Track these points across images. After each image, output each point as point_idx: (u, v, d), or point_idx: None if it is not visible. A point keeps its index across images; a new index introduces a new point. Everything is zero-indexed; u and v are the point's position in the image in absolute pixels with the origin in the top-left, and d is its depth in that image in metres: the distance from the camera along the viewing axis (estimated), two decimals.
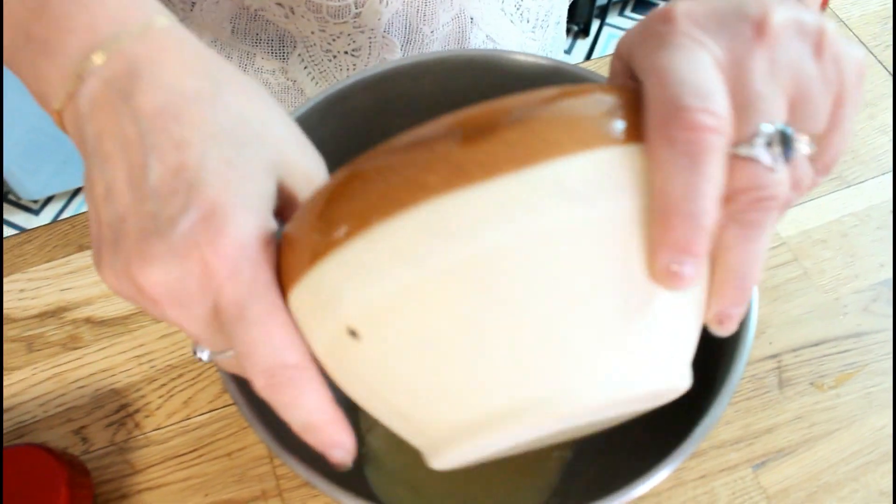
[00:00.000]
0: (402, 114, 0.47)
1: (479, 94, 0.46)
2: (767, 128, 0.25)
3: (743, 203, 0.25)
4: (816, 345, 0.58)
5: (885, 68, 0.72)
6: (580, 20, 1.98)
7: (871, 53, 0.73)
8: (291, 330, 0.27)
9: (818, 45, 0.26)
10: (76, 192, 1.83)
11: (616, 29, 2.05)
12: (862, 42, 0.74)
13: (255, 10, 0.56)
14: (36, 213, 1.83)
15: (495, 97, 0.25)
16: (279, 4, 0.55)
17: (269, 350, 0.27)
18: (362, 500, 0.33)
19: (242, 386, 0.37)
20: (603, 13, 1.92)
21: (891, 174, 0.66)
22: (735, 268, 0.25)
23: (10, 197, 1.83)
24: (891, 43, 0.74)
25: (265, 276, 0.27)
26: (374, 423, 0.51)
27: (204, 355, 0.30)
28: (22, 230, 1.75)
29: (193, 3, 0.57)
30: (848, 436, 0.54)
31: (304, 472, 0.34)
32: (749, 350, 0.35)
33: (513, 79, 0.44)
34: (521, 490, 0.51)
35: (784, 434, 0.54)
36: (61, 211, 1.81)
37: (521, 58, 0.44)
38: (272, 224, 0.28)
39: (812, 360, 0.57)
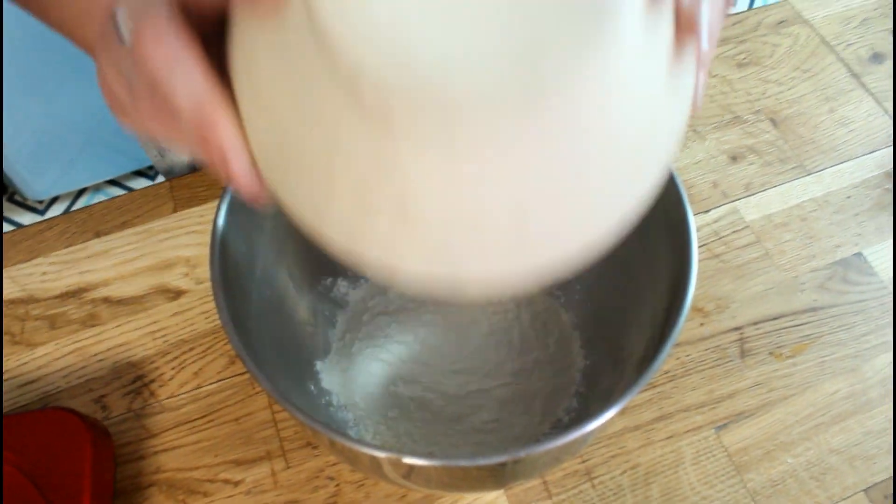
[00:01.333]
0: None
1: None
2: None
3: None
4: (775, 318, 0.63)
5: (847, 66, 0.78)
6: None
7: (834, 52, 0.79)
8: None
9: None
10: (81, 192, 1.87)
11: None
12: (825, 41, 0.79)
13: None
14: (41, 213, 1.87)
15: None
16: None
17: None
18: (359, 442, 0.38)
19: (250, 346, 0.42)
20: None
21: (850, 162, 0.71)
22: None
23: (17, 198, 1.87)
24: (852, 41, 0.79)
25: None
26: None
27: None
28: None
29: None
30: (802, 400, 0.59)
31: (302, 417, 0.38)
32: (682, 323, 0.40)
33: None
34: (552, 388, 0.55)
35: (744, 399, 0.59)
36: (66, 211, 1.85)
37: None
38: None
39: (771, 333, 0.62)
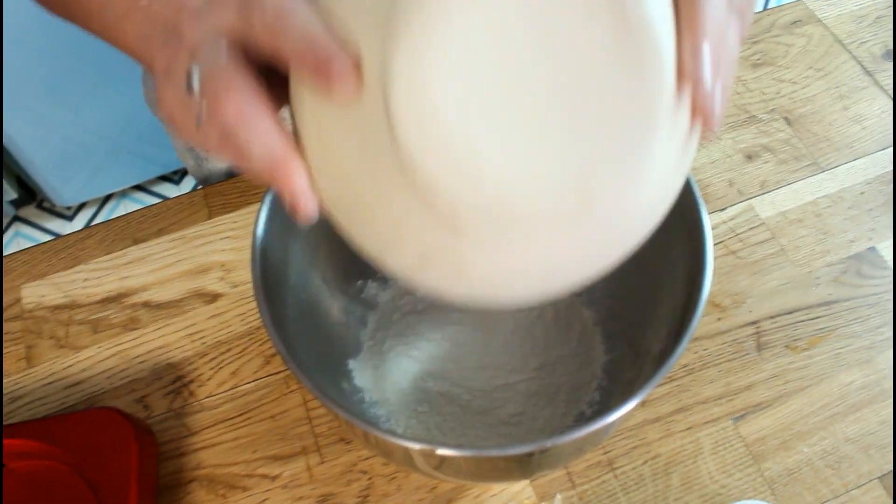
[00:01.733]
0: None
1: None
2: None
3: None
4: (791, 312, 0.64)
5: (860, 64, 0.79)
6: None
7: (847, 50, 0.80)
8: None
9: None
10: (107, 198, 1.91)
11: None
12: (839, 40, 0.81)
13: None
14: (69, 219, 1.91)
15: None
16: None
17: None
18: (385, 432, 0.40)
19: (289, 346, 0.44)
20: None
21: (863, 159, 0.73)
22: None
23: (45, 204, 1.92)
24: (865, 39, 0.81)
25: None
26: None
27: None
28: (56, 236, 1.84)
29: None
30: (818, 391, 0.61)
31: (339, 411, 0.41)
32: (699, 318, 0.43)
33: None
34: (575, 382, 0.57)
35: (761, 390, 0.61)
36: (94, 216, 1.89)
37: None
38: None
39: (787, 326, 0.64)
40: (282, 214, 0.49)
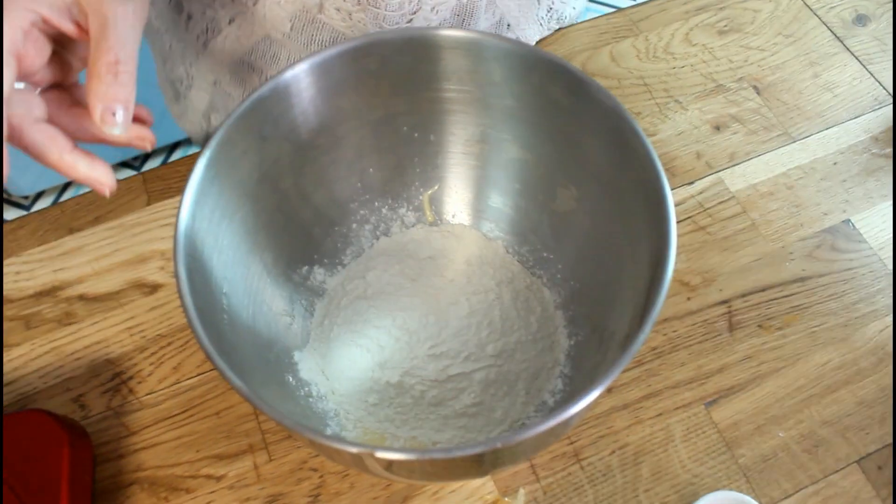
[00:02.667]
0: (351, 90, 0.50)
1: (421, 68, 0.50)
2: None
3: None
4: (764, 290, 0.62)
5: (830, 30, 0.76)
6: None
7: (816, 15, 0.77)
8: None
9: None
10: (66, 186, 1.86)
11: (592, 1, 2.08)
12: (807, 5, 0.78)
13: (315, 13, 0.59)
14: (27, 208, 1.86)
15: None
16: (338, 9, 0.58)
17: None
18: (335, 439, 0.37)
19: (221, 350, 0.40)
20: None
21: (836, 127, 0.70)
22: None
23: (2, 194, 1.86)
24: (834, 4, 0.78)
25: None
26: None
27: None
28: None
29: (206, 42, 0.60)
30: (793, 372, 0.58)
31: (276, 416, 0.37)
32: (663, 298, 0.39)
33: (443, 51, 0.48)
34: (536, 369, 0.54)
35: (734, 373, 0.58)
36: (52, 205, 1.83)
37: (447, 32, 0.48)
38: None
39: (760, 304, 0.61)
40: (210, 198, 0.45)
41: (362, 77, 0.49)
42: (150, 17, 0.67)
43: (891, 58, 0.74)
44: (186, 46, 0.68)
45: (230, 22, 0.62)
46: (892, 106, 0.70)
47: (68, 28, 0.40)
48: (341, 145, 0.53)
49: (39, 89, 0.42)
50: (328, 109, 0.50)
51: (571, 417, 0.37)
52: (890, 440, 0.55)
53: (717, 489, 0.53)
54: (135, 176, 0.69)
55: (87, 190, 0.69)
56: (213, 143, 0.44)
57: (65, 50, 0.42)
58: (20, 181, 1.72)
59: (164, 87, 0.76)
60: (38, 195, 1.84)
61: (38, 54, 0.40)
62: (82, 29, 0.40)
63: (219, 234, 0.47)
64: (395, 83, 0.50)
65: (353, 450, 0.35)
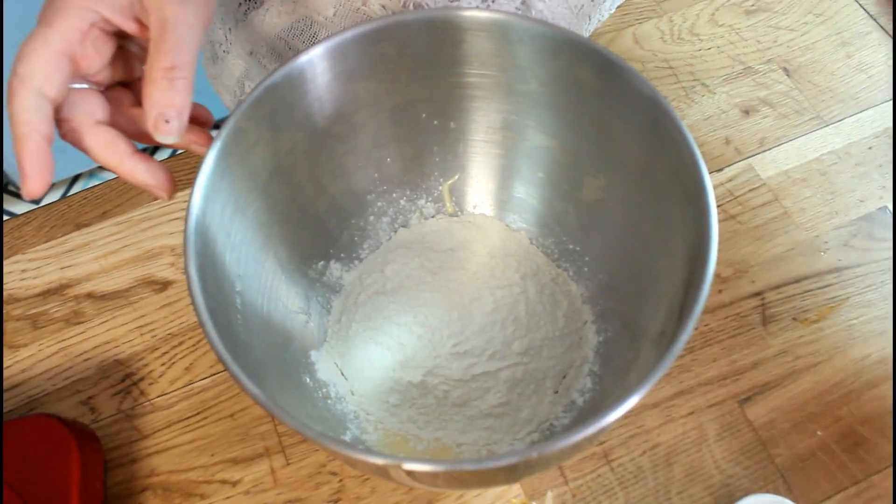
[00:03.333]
0: (368, 75, 0.48)
1: (442, 52, 0.47)
2: None
3: None
4: (798, 281, 0.59)
5: (862, 7, 0.73)
6: None
7: None
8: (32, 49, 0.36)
9: None
10: (75, 178, 1.84)
11: None
12: None
13: (359, 5, 0.56)
14: (37, 202, 1.84)
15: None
16: (383, 6, 0.55)
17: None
18: (353, 448, 0.35)
19: (235, 352, 0.38)
20: None
21: (870, 110, 0.67)
22: None
23: (11, 188, 1.85)
24: None
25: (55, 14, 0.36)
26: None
27: None
28: None
29: (246, 11, 0.58)
30: (830, 367, 0.56)
31: (295, 425, 0.35)
32: (708, 286, 0.37)
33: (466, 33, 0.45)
34: (563, 367, 0.52)
35: (769, 368, 0.56)
36: (62, 197, 1.82)
37: (471, 13, 0.45)
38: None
39: (794, 297, 0.58)
40: (221, 192, 0.43)
41: (380, 62, 0.47)
42: None
43: None
44: (227, 11, 0.66)
45: None
46: None
47: (130, 27, 0.38)
48: (358, 134, 0.51)
49: (103, 88, 0.41)
50: (344, 96, 0.48)
51: (609, 424, 0.35)
52: None
53: (753, 491, 0.51)
54: None
55: (94, 184, 0.67)
56: (223, 134, 0.42)
57: (130, 44, 0.41)
58: None
59: (205, 46, 0.73)
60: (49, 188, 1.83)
61: (98, 55, 0.38)
62: (144, 27, 0.38)
63: (231, 230, 0.44)
64: (414, 68, 0.48)
65: (379, 461, 0.33)
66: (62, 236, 0.64)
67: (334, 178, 0.52)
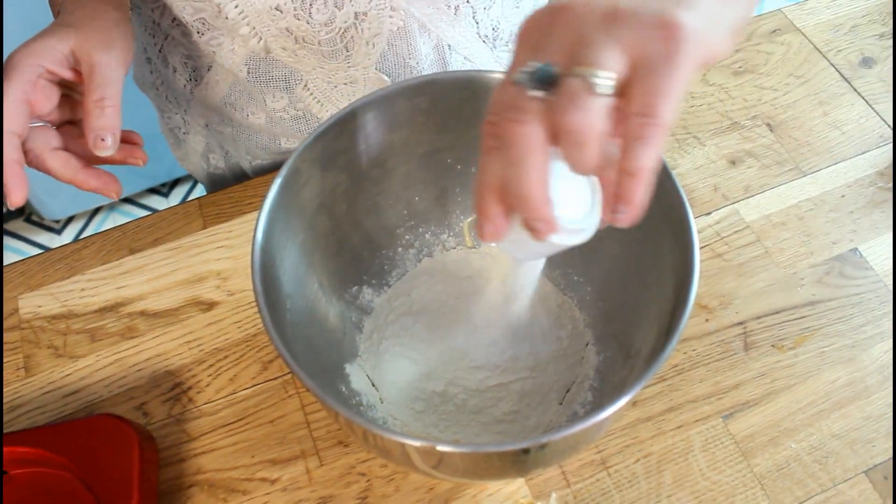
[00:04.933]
0: (403, 126, 0.55)
1: (467, 107, 0.55)
2: (532, 65, 0.34)
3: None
4: (777, 312, 0.66)
5: (838, 71, 0.81)
6: None
7: (825, 58, 0.82)
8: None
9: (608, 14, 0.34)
10: (96, 210, 1.91)
11: None
12: (817, 48, 0.83)
13: (266, 53, 0.66)
14: (58, 232, 1.91)
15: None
16: (283, 48, 0.64)
17: None
18: (378, 426, 0.41)
19: (290, 350, 0.45)
20: None
21: (844, 163, 0.75)
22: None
23: (34, 217, 1.92)
24: (842, 47, 0.83)
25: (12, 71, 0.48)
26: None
27: None
28: (45, 249, 1.83)
29: (214, 50, 0.66)
30: (804, 389, 0.62)
31: (340, 409, 0.42)
32: (687, 316, 0.44)
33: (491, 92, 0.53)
34: (567, 382, 0.59)
35: (749, 389, 0.62)
36: (82, 229, 1.89)
37: (497, 75, 0.53)
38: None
39: (773, 326, 0.65)
40: (279, 222, 0.50)
41: (415, 114, 0.55)
42: (145, 74, 0.77)
43: None
44: (178, 96, 0.75)
45: (208, 69, 0.70)
46: (893, 143, 0.75)
47: (68, 75, 0.51)
48: (391, 176, 0.59)
49: (56, 126, 0.53)
50: (382, 143, 0.55)
51: (602, 422, 0.42)
52: None
53: (735, 496, 0.58)
54: (191, 202, 0.74)
55: (124, 221, 0.75)
56: (283, 172, 0.50)
57: (73, 92, 0.53)
58: (52, 206, 1.77)
59: (167, 135, 0.84)
60: (69, 220, 1.90)
61: (47, 99, 0.51)
62: (79, 74, 0.51)
63: (284, 255, 0.52)
64: (443, 120, 0.56)
65: (415, 443, 0.40)
66: (117, 260, 0.71)
67: (368, 214, 0.60)
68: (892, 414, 0.61)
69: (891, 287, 0.67)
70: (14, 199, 0.49)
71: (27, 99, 0.49)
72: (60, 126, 0.54)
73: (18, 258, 1.84)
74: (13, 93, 0.48)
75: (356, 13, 0.61)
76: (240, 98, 0.72)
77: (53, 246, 1.86)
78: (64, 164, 0.52)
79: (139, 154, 0.54)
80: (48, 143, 0.52)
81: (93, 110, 0.50)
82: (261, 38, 0.64)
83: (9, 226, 1.88)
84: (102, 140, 0.50)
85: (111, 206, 1.90)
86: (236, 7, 0.61)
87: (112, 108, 0.50)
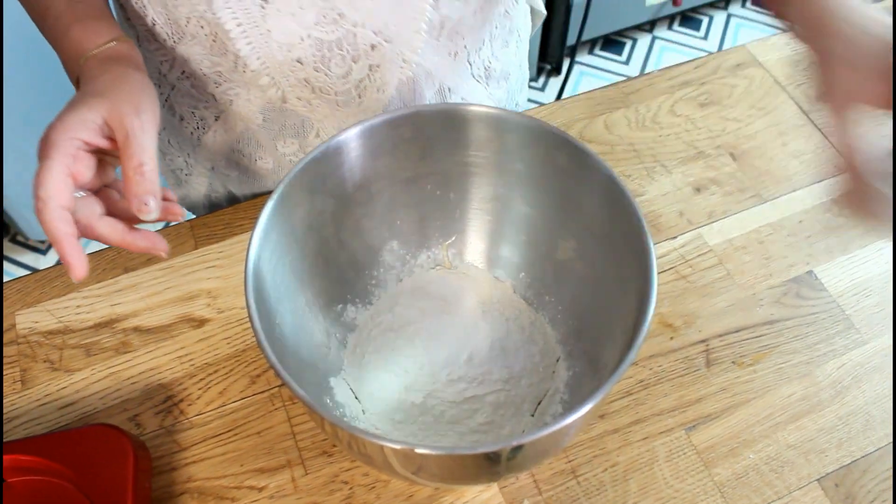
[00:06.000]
0: (388, 154, 0.59)
1: (446, 137, 0.59)
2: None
3: None
4: (737, 331, 0.70)
5: (797, 104, 0.86)
6: (552, 59, 2.13)
7: (786, 91, 0.87)
8: (45, 178, 0.49)
9: None
10: None
11: (586, 67, 2.21)
12: (777, 82, 0.88)
13: (280, 104, 0.70)
14: (43, 252, 1.93)
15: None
16: (299, 98, 0.68)
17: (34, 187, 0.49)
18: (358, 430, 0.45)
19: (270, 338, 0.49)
20: (573, 52, 2.07)
21: (801, 190, 0.80)
22: None
23: (19, 238, 1.94)
24: (801, 81, 0.88)
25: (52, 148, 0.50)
26: None
27: None
28: (31, 269, 1.85)
29: (231, 100, 0.70)
30: (762, 403, 0.66)
31: (325, 414, 0.45)
32: (646, 331, 0.48)
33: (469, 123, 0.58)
34: (539, 395, 0.62)
35: (711, 403, 0.66)
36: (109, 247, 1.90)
37: (475, 108, 0.57)
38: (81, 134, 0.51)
39: (734, 344, 0.70)
40: (269, 243, 0.54)
41: (398, 142, 0.59)
42: None
43: None
44: (182, 141, 0.79)
45: (216, 119, 0.74)
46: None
47: (104, 144, 0.53)
48: (375, 200, 0.63)
49: (95, 191, 0.55)
50: (367, 170, 0.59)
51: (570, 426, 0.46)
52: (846, 461, 0.63)
53: (696, 503, 0.61)
54: (183, 223, 0.78)
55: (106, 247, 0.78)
56: (274, 197, 0.53)
57: (106, 157, 0.55)
58: (37, 226, 1.80)
59: (166, 174, 0.89)
60: None
61: (87, 169, 0.52)
62: (113, 141, 0.53)
63: (275, 273, 0.55)
64: (425, 148, 0.60)
65: (396, 446, 0.43)
66: (112, 278, 0.75)
67: (353, 235, 0.64)
68: (848, 424, 0.65)
69: (844, 307, 0.72)
70: (78, 274, 0.50)
71: (70, 173, 0.50)
72: (99, 191, 0.55)
73: (4, 278, 1.86)
74: (57, 169, 0.49)
75: (370, 65, 0.65)
76: (249, 144, 0.76)
77: (38, 265, 1.88)
78: (112, 230, 0.53)
79: (177, 210, 0.55)
80: (94, 212, 0.53)
81: (133, 177, 0.51)
82: (279, 89, 0.68)
83: None
84: (146, 205, 0.51)
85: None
86: (258, 59, 0.64)
87: (151, 171, 0.52)
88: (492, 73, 0.76)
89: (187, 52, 0.67)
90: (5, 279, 1.90)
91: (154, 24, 0.65)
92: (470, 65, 0.73)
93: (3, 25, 1.36)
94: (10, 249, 1.92)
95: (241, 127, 0.74)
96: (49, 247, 1.92)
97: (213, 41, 0.64)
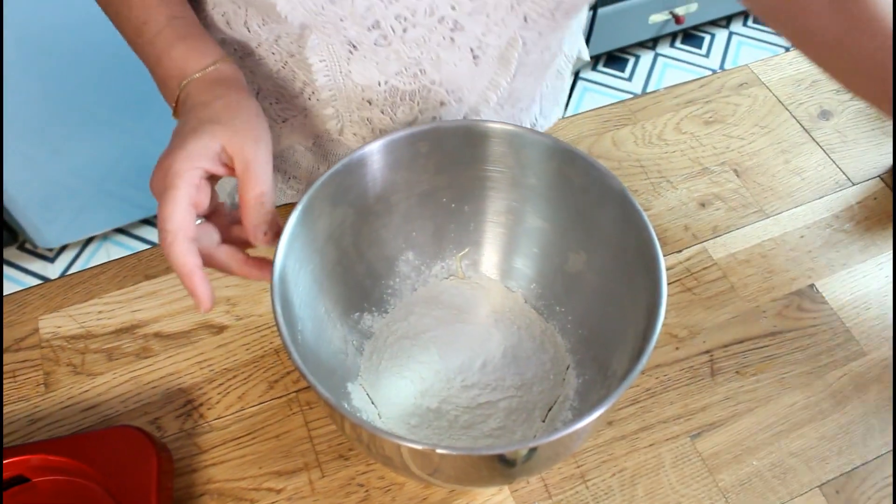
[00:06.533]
0: (406, 167, 0.62)
1: (462, 152, 0.61)
2: None
3: None
4: (741, 342, 0.72)
5: (799, 122, 0.89)
6: None
7: (788, 110, 0.90)
8: (172, 210, 0.48)
9: None
10: (89, 240, 1.95)
11: (589, 83, 2.24)
12: (780, 101, 0.90)
13: (336, 135, 0.71)
14: (51, 260, 1.94)
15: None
16: (355, 134, 0.70)
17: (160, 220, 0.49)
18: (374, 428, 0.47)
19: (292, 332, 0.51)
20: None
21: (803, 206, 0.82)
22: None
23: (27, 246, 1.95)
24: (803, 101, 0.90)
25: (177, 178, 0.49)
26: None
27: None
28: (39, 277, 1.86)
29: (285, 118, 0.72)
30: (765, 411, 0.69)
31: (346, 414, 0.48)
32: (654, 343, 0.50)
33: (486, 139, 0.60)
34: (549, 401, 0.64)
35: (715, 411, 0.69)
36: (75, 258, 1.92)
37: (492, 124, 0.60)
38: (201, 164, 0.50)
39: (737, 354, 0.72)
40: (294, 252, 0.56)
41: (416, 156, 0.61)
42: None
43: (850, 148, 0.86)
44: None
45: None
46: (851, 188, 0.82)
47: (222, 172, 0.53)
48: (392, 212, 0.65)
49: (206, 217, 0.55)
50: (387, 182, 0.62)
51: (582, 429, 0.48)
52: (847, 469, 0.65)
53: None
54: None
55: (117, 251, 0.80)
56: (299, 207, 0.56)
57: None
58: (46, 234, 1.81)
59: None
60: (62, 248, 1.93)
61: (206, 197, 0.52)
62: (230, 168, 0.53)
63: (297, 281, 0.57)
64: (441, 162, 0.62)
65: (416, 446, 0.45)
66: (132, 285, 0.77)
67: (371, 245, 0.66)
68: (848, 433, 0.67)
69: (845, 319, 0.74)
70: (207, 306, 0.50)
71: (193, 202, 0.50)
72: (208, 217, 0.55)
73: (11, 284, 1.88)
74: (184, 200, 0.49)
75: (434, 117, 0.67)
76: (286, 161, 0.77)
77: (46, 273, 1.90)
78: (230, 258, 0.54)
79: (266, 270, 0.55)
80: (213, 240, 0.54)
81: (254, 206, 0.51)
82: (340, 121, 0.69)
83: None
84: (265, 234, 0.52)
85: (104, 237, 1.94)
86: (331, 91, 0.65)
87: (271, 201, 0.52)
88: (536, 126, 0.78)
89: (253, 67, 0.68)
90: (14, 288, 1.92)
91: (223, 41, 0.66)
92: (519, 122, 0.75)
93: (3, 25, 1.37)
94: (18, 257, 1.93)
95: (286, 143, 0.75)
96: (57, 255, 1.93)
97: (283, 66, 0.65)
